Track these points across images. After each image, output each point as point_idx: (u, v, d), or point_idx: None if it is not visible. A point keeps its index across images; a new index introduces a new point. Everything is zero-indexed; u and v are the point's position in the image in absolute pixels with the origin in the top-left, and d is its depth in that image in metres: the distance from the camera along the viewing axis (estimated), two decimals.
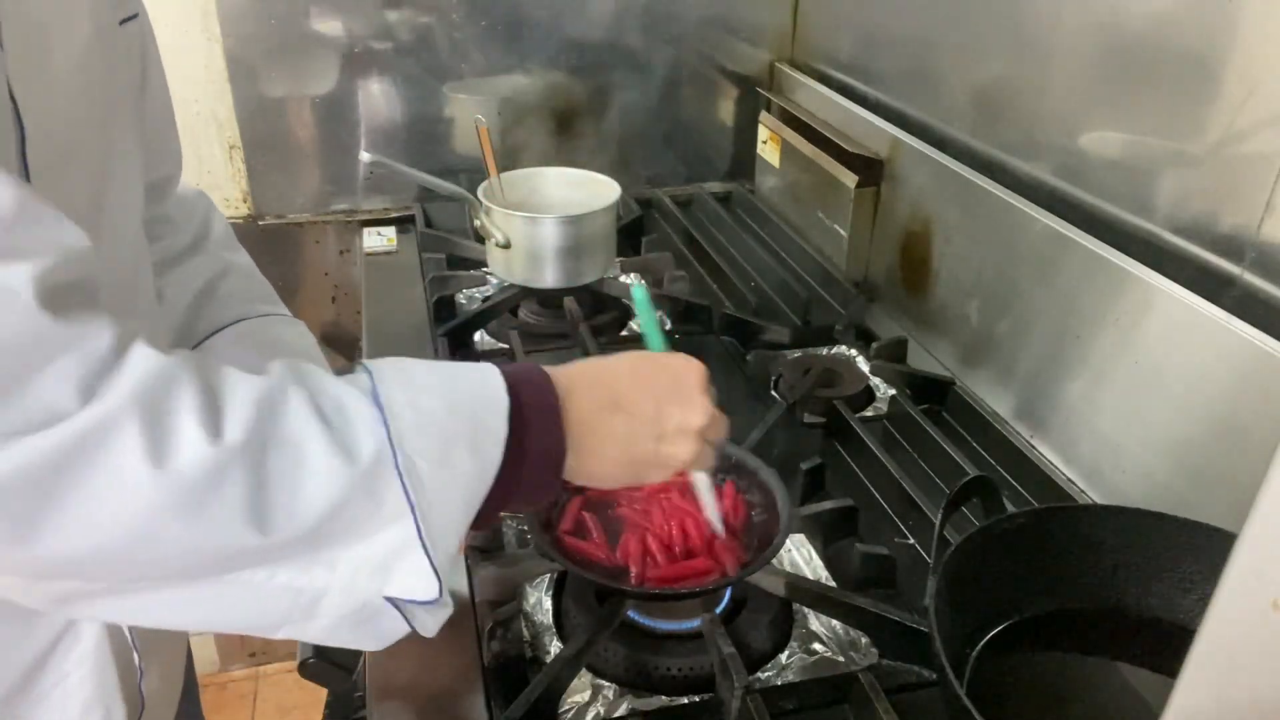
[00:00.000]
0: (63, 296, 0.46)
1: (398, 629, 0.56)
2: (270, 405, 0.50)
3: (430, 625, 0.57)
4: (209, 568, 0.50)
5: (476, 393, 0.56)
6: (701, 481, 0.75)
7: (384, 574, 0.53)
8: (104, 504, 0.45)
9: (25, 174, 0.55)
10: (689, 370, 0.66)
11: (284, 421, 0.50)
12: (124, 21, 0.70)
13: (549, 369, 0.61)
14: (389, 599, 0.54)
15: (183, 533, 0.47)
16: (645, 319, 0.75)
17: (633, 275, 1.43)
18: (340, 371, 0.56)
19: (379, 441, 0.51)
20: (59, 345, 0.45)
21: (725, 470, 0.84)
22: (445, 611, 0.58)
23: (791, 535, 0.89)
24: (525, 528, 0.87)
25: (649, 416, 0.63)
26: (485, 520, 0.57)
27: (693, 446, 0.65)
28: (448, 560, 0.54)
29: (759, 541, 0.79)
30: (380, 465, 0.51)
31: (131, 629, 0.71)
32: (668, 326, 1.30)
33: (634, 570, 0.76)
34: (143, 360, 0.47)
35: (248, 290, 0.91)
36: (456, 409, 0.55)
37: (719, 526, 0.77)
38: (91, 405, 0.45)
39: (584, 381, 0.62)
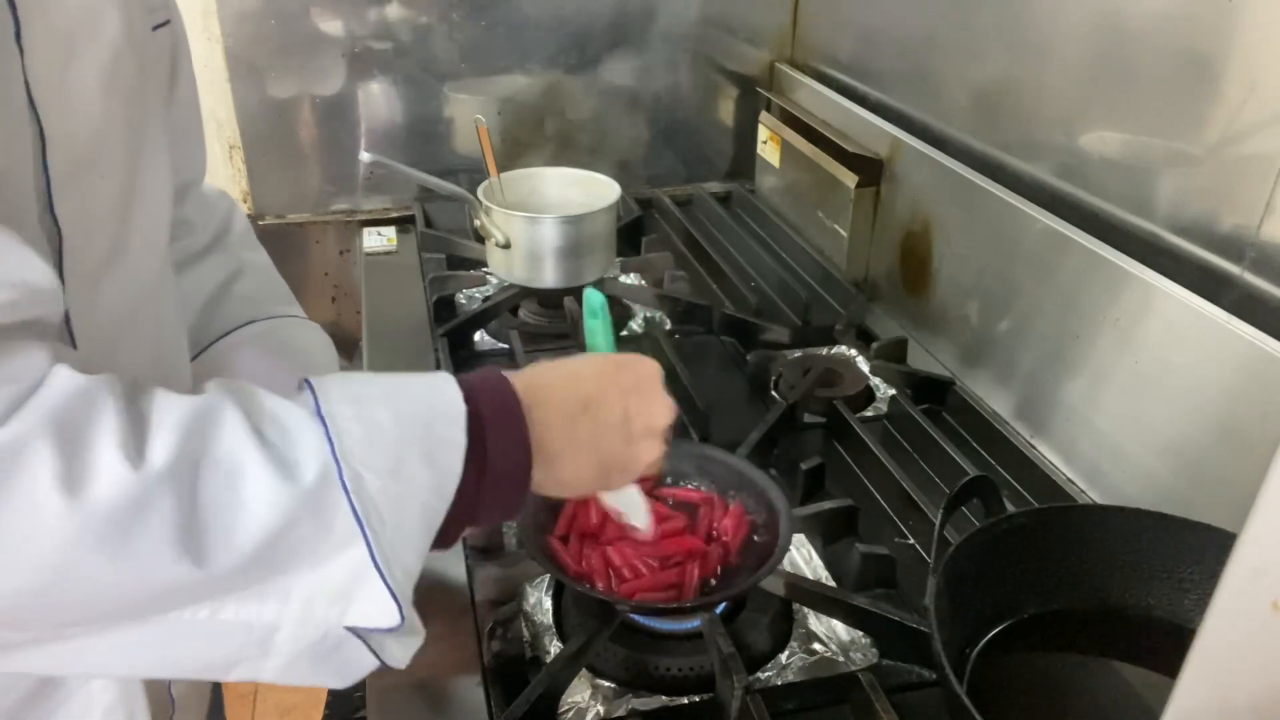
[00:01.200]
0: (7, 334, 0.44)
1: (364, 662, 0.52)
2: (201, 426, 0.46)
3: (400, 655, 0.54)
4: (144, 607, 0.46)
5: (429, 401, 0.53)
6: (630, 490, 0.71)
7: (343, 602, 0.49)
8: (15, 539, 0.42)
9: (46, 179, 0.54)
10: (651, 370, 0.65)
11: (217, 442, 0.46)
12: (156, 28, 0.69)
13: (510, 374, 0.58)
14: (351, 629, 0.51)
15: (106, 568, 0.43)
16: (602, 321, 0.72)
17: (632, 275, 1.42)
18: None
19: (322, 458, 0.48)
20: None
21: (734, 488, 0.84)
22: (415, 640, 0.54)
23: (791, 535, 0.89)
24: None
25: (618, 418, 0.61)
26: (449, 539, 0.54)
27: (659, 447, 0.64)
28: (407, 582, 0.51)
29: (756, 559, 0.79)
30: (325, 483, 0.47)
31: None
32: (668, 326, 1.30)
33: (599, 584, 0.76)
34: (60, 382, 0.44)
35: (262, 290, 0.91)
36: (406, 419, 0.51)
37: (648, 528, 0.74)
38: (2, 430, 0.42)
39: (549, 385, 0.59)
